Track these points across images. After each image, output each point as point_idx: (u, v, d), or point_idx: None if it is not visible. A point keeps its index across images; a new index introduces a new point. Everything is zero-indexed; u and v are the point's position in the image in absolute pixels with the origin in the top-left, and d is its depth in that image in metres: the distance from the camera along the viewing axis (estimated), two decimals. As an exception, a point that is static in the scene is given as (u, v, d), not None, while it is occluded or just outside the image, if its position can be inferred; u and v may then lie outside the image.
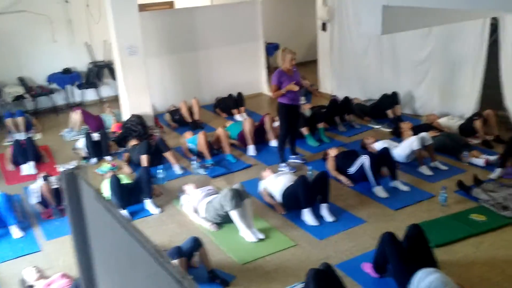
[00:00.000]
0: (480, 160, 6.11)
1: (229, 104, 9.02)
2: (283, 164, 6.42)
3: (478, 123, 6.79)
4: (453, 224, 4.80)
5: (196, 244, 4.18)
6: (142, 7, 9.99)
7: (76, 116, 8.18)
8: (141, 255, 1.47)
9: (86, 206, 1.95)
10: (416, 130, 6.78)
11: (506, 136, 6.61)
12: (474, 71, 7.24)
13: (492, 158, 6.09)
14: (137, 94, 7.92)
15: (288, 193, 5.30)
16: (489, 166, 6.01)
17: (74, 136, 8.09)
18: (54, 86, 9.73)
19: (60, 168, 6.80)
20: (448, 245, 4.51)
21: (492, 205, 5.05)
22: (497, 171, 5.75)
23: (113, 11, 7.39)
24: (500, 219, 4.85)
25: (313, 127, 7.48)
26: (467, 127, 6.96)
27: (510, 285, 3.90)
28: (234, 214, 4.85)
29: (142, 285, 1.54)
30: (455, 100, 7.65)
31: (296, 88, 5.96)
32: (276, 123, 7.49)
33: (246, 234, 4.84)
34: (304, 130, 7.33)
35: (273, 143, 7.25)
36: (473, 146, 6.61)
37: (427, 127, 7.02)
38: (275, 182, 5.52)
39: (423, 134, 6.23)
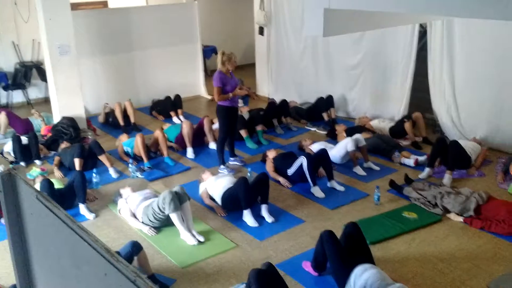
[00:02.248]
0: (410, 160, 6.39)
1: (166, 107, 8.89)
2: (223, 167, 6.41)
3: (407, 125, 7.10)
4: (386, 222, 4.98)
5: (135, 248, 4.07)
6: (75, 6, 9.65)
7: (1, 118, 7.74)
8: (89, 255, 1.42)
9: (25, 207, 1.85)
10: (350, 132, 6.99)
11: (433, 138, 6.96)
12: (404, 75, 7.57)
13: (421, 158, 6.39)
14: (68, 96, 7.62)
15: (229, 195, 5.29)
16: (419, 166, 6.30)
17: (1, 140, 7.66)
18: (-23, 86, 9.19)
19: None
20: (382, 242, 4.67)
21: (423, 203, 5.29)
22: (426, 171, 6.04)
23: (43, 9, 7.09)
24: (430, 216, 5.09)
25: (251, 130, 7.53)
26: (397, 129, 7.26)
27: (442, 279, 4.10)
28: (173, 217, 4.78)
29: (89, 285, 1.48)
30: (386, 103, 7.97)
31: (243, 92, 6.03)
32: (215, 126, 7.48)
33: (186, 237, 4.78)
34: (243, 133, 7.36)
35: (212, 145, 7.22)
36: (404, 147, 6.90)
37: (360, 129, 7.26)
38: (215, 184, 5.50)
39: (357, 135, 6.43)
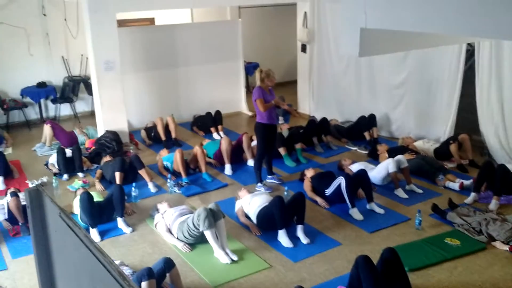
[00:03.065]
0: (455, 184, 6.15)
1: (207, 122, 8.96)
2: (260, 184, 6.36)
3: (453, 147, 6.85)
4: (427, 248, 4.78)
5: (167, 265, 4.06)
6: (122, 23, 9.93)
7: (46, 130, 8.01)
8: (103, 276, 1.39)
9: (50, 223, 1.86)
10: (392, 153, 6.81)
11: (480, 161, 6.68)
12: (450, 96, 7.34)
13: (467, 182, 6.14)
14: (112, 110, 7.80)
15: (264, 214, 5.23)
16: (464, 190, 6.05)
17: (47, 152, 7.91)
18: (27, 100, 9.55)
19: (31, 184, 6.62)
20: (422, 269, 4.48)
21: (467, 229, 5.06)
22: (472, 196, 5.78)
23: (91, 26, 7.31)
24: (474, 244, 4.85)
25: (290, 148, 7.46)
26: (442, 151, 7.02)
27: (484, 311, 3.88)
28: (208, 234, 4.76)
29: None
30: (430, 124, 7.74)
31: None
32: (254, 143, 7.46)
33: (220, 255, 4.74)
34: (282, 150, 7.30)
35: (250, 162, 7.19)
36: (449, 170, 6.66)
37: (403, 149, 7.06)
38: (251, 202, 5.45)
39: (399, 156, 6.25)
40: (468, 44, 7.10)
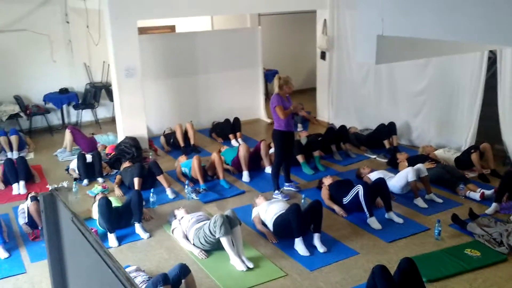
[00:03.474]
0: (476, 194, 6.04)
1: (225, 129, 8.99)
2: (277, 192, 6.34)
3: (474, 156, 6.73)
4: (447, 259, 4.69)
5: (183, 271, 4.06)
6: (143, 30, 10.05)
7: (66, 135, 8.13)
8: (112, 282, 1.40)
9: (63, 228, 1.88)
10: (412, 161, 6.72)
11: (502, 170, 6.55)
12: (471, 104, 7.23)
13: (488, 192, 6.02)
14: (132, 116, 7.88)
15: (280, 221, 5.21)
16: (485, 200, 5.94)
17: (68, 157, 8.02)
18: (50, 105, 9.71)
19: (51, 189, 6.71)
20: (441, 281, 4.40)
21: (487, 240, 4.96)
22: (493, 206, 5.67)
23: (112, 33, 7.41)
24: (495, 255, 4.75)
25: (308, 155, 7.43)
26: (463, 160, 6.90)
27: (505, 324, 3.79)
28: (224, 241, 4.75)
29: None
30: (452, 132, 7.62)
31: (302, 111, 6.09)
32: (272, 150, 7.44)
33: (236, 262, 4.73)
34: (300, 158, 7.27)
35: (268, 169, 7.17)
36: (470, 179, 6.54)
37: (423, 158, 6.96)
38: (268, 210, 5.44)
39: (418, 165, 6.17)
40: (490, 51, 6.99)
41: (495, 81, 6.93)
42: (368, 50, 2.73)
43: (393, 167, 7.15)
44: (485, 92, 7.08)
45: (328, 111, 9.83)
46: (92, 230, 5.26)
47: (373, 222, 5.44)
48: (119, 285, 1.32)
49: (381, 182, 5.71)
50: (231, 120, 9.07)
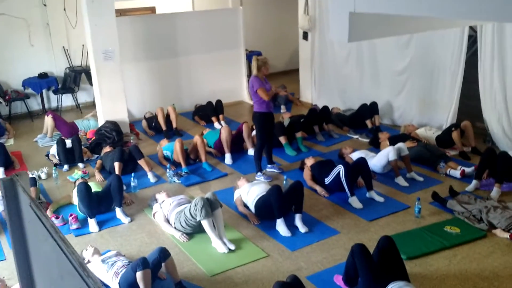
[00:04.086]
0: (456, 172, 6.08)
1: (208, 112, 8.92)
2: (260, 174, 6.33)
3: (455, 134, 6.76)
4: (427, 236, 4.73)
5: (163, 254, 4.04)
6: (123, 12, 9.89)
7: (48, 121, 8.00)
8: (68, 267, 1.38)
9: (24, 214, 1.85)
10: (393, 141, 6.74)
11: (483, 148, 6.60)
12: (452, 82, 7.23)
13: (469, 169, 6.06)
14: (112, 100, 7.77)
15: (262, 203, 5.20)
16: (466, 177, 5.98)
17: (48, 142, 7.92)
18: (29, 91, 9.55)
19: (31, 175, 6.62)
20: (421, 258, 4.44)
21: (467, 217, 5.00)
22: (473, 183, 5.71)
23: (88, 15, 7.27)
24: (474, 232, 4.79)
25: (291, 136, 7.41)
26: (444, 138, 6.93)
27: (482, 299, 3.84)
28: (205, 224, 4.74)
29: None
30: (433, 111, 7.64)
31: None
32: (254, 132, 7.41)
33: (217, 244, 4.72)
34: (282, 139, 7.25)
35: (251, 151, 7.15)
36: (450, 157, 6.58)
37: (405, 137, 6.98)
38: (249, 192, 5.42)
39: (399, 144, 6.18)
40: (472, 29, 6.98)
41: (477, 59, 6.93)
42: (340, 27, 2.67)
43: (375, 146, 7.17)
44: (466, 70, 7.08)
45: (311, 92, 9.80)
46: (72, 216, 5.23)
47: (354, 202, 5.45)
48: (73, 270, 1.29)
49: (362, 161, 5.72)
50: (214, 102, 8.99)
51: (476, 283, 4.04)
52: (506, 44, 6.45)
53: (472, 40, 7.06)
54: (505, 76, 6.58)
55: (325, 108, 8.15)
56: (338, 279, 4.10)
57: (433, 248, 4.55)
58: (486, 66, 6.77)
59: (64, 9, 8.62)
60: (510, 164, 5.67)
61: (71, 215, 5.27)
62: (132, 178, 6.15)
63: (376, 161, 6.24)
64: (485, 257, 4.41)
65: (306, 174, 6.09)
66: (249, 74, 10.80)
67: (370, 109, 8.00)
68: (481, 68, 6.86)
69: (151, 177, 6.40)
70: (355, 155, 6.43)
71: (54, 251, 1.44)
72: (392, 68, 8.14)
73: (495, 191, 5.45)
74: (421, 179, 6.05)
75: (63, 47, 9.74)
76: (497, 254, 4.44)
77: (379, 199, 5.56)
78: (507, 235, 4.66)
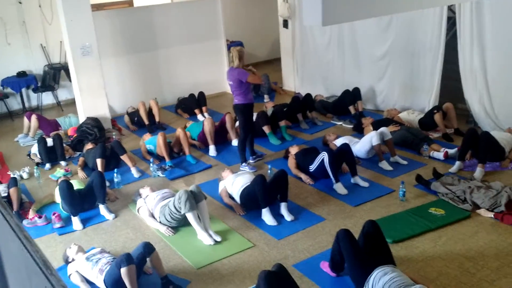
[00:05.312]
0: (439, 154, 6.10)
1: (190, 104, 8.84)
2: (244, 164, 6.29)
3: (437, 117, 6.78)
4: (412, 219, 4.74)
5: (147, 249, 3.99)
6: (100, 6, 9.74)
7: (31, 121, 7.87)
8: (33, 267, 1.33)
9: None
10: (376, 125, 6.74)
11: (466, 129, 6.61)
12: (433, 65, 7.24)
13: (452, 151, 6.09)
14: (92, 96, 7.67)
15: (247, 193, 5.17)
16: (449, 159, 6.01)
17: (29, 142, 7.80)
18: (8, 90, 9.39)
19: (13, 175, 6.52)
20: (406, 241, 4.45)
21: (451, 198, 5.02)
22: (457, 164, 5.74)
23: (64, 10, 7.14)
24: (459, 213, 4.81)
25: (275, 125, 7.37)
26: (427, 121, 6.95)
27: (468, 279, 3.85)
28: (190, 217, 4.70)
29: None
30: (415, 94, 7.65)
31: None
32: (238, 123, 7.37)
33: (203, 236, 4.69)
34: (266, 129, 7.22)
35: (235, 142, 7.12)
36: (433, 139, 6.60)
37: (388, 121, 6.98)
38: (234, 182, 5.39)
39: (382, 129, 6.19)
40: (451, 10, 6.98)
41: (457, 41, 6.93)
42: (314, 12, 2.64)
43: (359, 132, 7.17)
44: (447, 52, 7.09)
45: (294, 80, 9.77)
46: (56, 214, 5.16)
47: (339, 188, 5.45)
48: (37, 270, 1.25)
49: (345, 147, 5.71)
50: (196, 94, 8.92)
51: (462, 263, 4.06)
52: (485, 24, 6.46)
53: (452, 22, 7.06)
54: (484, 56, 6.60)
55: (308, 95, 8.13)
56: (325, 266, 4.09)
57: (418, 230, 4.56)
58: (466, 47, 6.78)
59: (40, 6, 8.46)
60: (492, 144, 5.72)
61: (54, 214, 5.19)
62: (115, 174, 6.08)
63: (360, 146, 6.24)
64: (470, 237, 4.43)
65: (291, 163, 6.07)
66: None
67: (353, 95, 7.99)
68: (460, 49, 6.87)
69: (134, 172, 6.34)
70: (339, 142, 6.42)
71: (20, 249, 1.40)
72: (373, 53, 8.13)
73: (478, 172, 5.48)
74: (405, 162, 6.06)
75: (41, 44, 9.58)
76: (481, 234, 4.47)
77: (364, 184, 5.56)
78: (491, 214, 4.69)
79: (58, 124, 8.09)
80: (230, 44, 10.92)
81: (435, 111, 6.86)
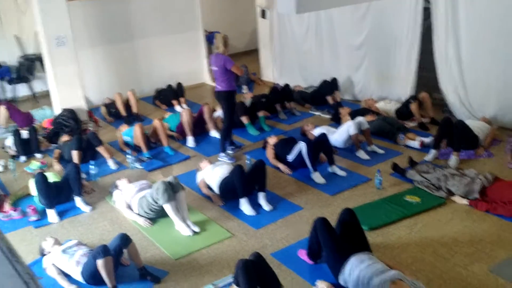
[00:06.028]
0: (415, 142, 6.18)
1: (168, 96, 8.78)
2: (223, 154, 6.29)
3: (414, 106, 6.86)
4: (388, 207, 4.80)
5: (124, 241, 3.97)
6: (74, -3, 9.54)
7: (2, 112, 7.72)
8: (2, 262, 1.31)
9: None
10: (354, 115, 6.79)
11: (441, 118, 6.71)
12: (409, 55, 7.30)
13: (427, 140, 6.17)
14: (68, 88, 7.55)
15: (225, 184, 5.17)
16: (425, 148, 6.09)
17: (3, 134, 7.65)
18: (-19, 82, 9.20)
19: (-14, 168, 6.41)
20: (383, 228, 4.51)
21: (426, 186, 5.10)
22: (432, 153, 5.82)
23: (38, 0, 6.99)
24: (434, 200, 4.89)
25: (253, 116, 7.37)
26: (403, 111, 7.03)
27: (442, 264, 3.93)
28: (167, 208, 4.68)
29: (4, 286, 1.39)
30: (392, 84, 7.72)
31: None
32: (216, 114, 7.36)
33: (181, 227, 4.68)
34: (244, 119, 7.21)
35: (213, 133, 7.10)
36: (410, 129, 6.68)
37: (365, 111, 7.04)
38: (212, 173, 5.38)
39: (359, 118, 6.24)
40: (427, 0, 7.04)
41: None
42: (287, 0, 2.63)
43: (337, 122, 7.21)
44: (423, 43, 7.15)
45: (273, 71, 9.77)
46: (31, 207, 5.09)
47: (317, 177, 5.49)
48: (1, 256, 1.24)
49: (323, 137, 5.73)
50: (174, 85, 8.86)
51: (436, 249, 4.13)
52: (459, 15, 6.54)
53: (428, 12, 7.12)
54: (459, 47, 6.68)
55: (287, 86, 8.15)
56: (302, 254, 4.13)
57: (394, 218, 4.63)
58: (441, 37, 6.85)
59: (13, -5, 8.31)
60: (467, 132, 5.82)
61: (30, 207, 5.12)
62: (91, 166, 6.02)
63: (338, 136, 6.28)
64: (444, 224, 4.52)
65: (269, 153, 6.08)
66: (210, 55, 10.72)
67: (331, 85, 8.03)
68: (435, 39, 6.94)
69: (111, 164, 6.28)
70: (317, 132, 6.45)
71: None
72: (350, 43, 8.17)
73: (453, 160, 5.57)
74: (381, 151, 6.13)
75: (15, 35, 9.39)
76: (456, 221, 4.55)
77: (341, 173, 5.60)
78: (465, 201, 4.77)
79: (31, 116, 7.94)
80: (209, 35, 10.87)
81: (411, 101, 6.94)
